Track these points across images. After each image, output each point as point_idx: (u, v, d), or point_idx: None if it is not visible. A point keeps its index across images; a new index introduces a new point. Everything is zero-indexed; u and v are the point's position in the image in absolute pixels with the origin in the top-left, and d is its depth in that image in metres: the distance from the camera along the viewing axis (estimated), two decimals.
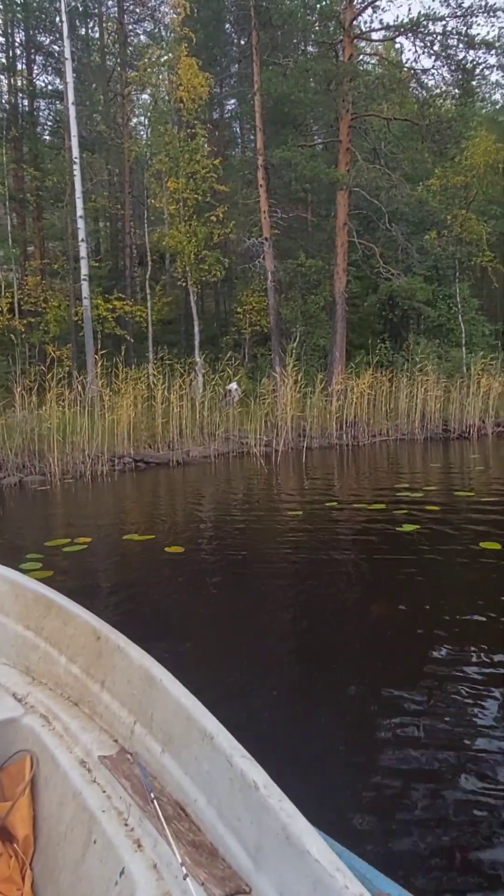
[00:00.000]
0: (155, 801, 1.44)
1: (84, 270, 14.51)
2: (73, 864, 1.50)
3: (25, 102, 19.23)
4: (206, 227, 14.84)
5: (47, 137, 18.88)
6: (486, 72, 13.46)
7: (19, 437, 10.63)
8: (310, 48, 18.83)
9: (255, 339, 19.14)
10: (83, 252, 14.57)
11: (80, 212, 14.38)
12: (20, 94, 19.05)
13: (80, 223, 14.49)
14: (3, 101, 18.35)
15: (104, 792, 1.56)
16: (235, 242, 16.25)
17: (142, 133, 21.67)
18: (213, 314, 23.87)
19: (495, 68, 12.54)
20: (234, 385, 14.75)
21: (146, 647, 1.87)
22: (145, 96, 19.24)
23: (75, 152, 14.41)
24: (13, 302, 16.70)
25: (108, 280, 20.17)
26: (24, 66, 18.83)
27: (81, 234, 14.56)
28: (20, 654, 2.27)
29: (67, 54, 14.47)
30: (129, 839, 1.40)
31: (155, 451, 12.24)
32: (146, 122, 19.92)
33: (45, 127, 19.36)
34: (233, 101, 21.69)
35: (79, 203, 14.41)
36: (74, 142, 14.35)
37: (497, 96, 27.40)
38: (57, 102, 18.97)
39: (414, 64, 13.50)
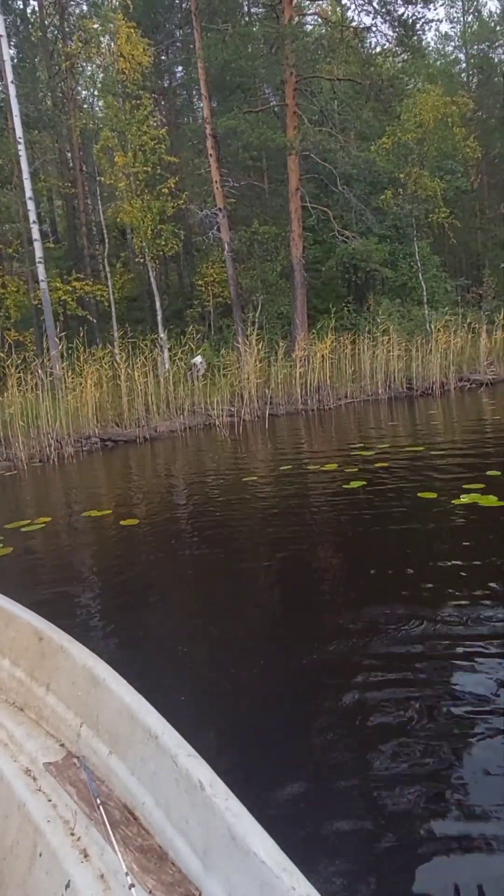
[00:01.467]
0: (101, 808, 1.42)
1: (38, 253, 14.36)
2: (20, 879, 1.45)
3: None
4: (159, 201, 14.72)
5: None
6: (426, 27, 13.31)
7: None
8: (254, 9, 18.49)
9: (220, 310, 19.13)
10: (35, 234, 14.39)
11: (28, 193, 14.17)
12: None
13: (31, 205, 14.28)
14: None
15: (50, 801, 1.53)
16: (190, 214, 16.13)
17: (88, 107, 21.18)
18: (178, 288, 23.73)
19: (434, 22, 12.40)
20: (198, 359, 14.82)
21: (87, 610, 1.97)
22: (90, 68, 18.73)
23: (19, 132, 14.12)
24: None
25: (67, 260, 19.94)
26: None
27: (32, 216, 14.36)
28: None
29: (2, 30, 14.07)
30: (76, 849, 1.38)
31: (122, 429, 12.37)
32: (92, 96, 19.46)
33: None
34: (181, 68, 21.25)
35: (27, 184, 14.18)
36: (17, 121, 14.05)
37: (449, 48, 27.11)
38: None
39: (355, 22, 13.34)
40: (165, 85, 21.91)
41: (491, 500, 4.92)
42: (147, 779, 1.46)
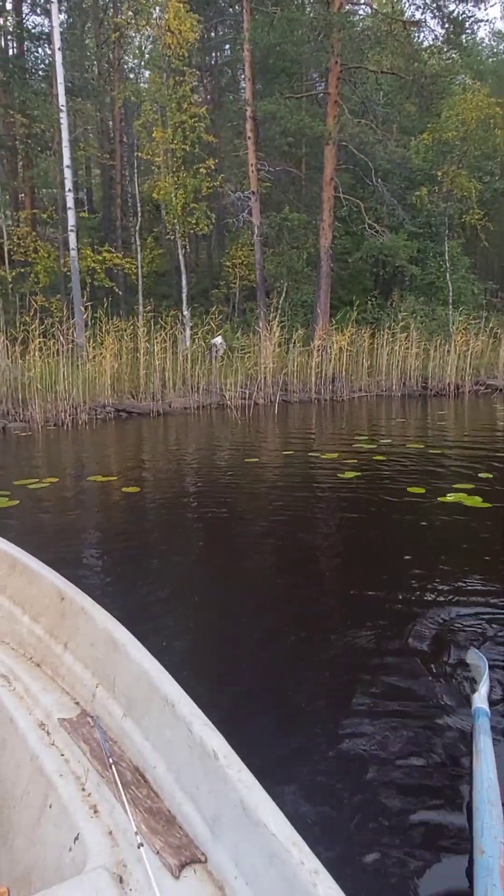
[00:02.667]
0: (113, 767, 1.45)
1: (71, 221, 14.59)
2: (28, 828, 1.49)
3: (14, 45, 18.85)
4: (194, 179, 14.85)
5: (36, 84, 18.54)
6: (475, 26, 13.20)
7: (3, 384, 11.03)
8: None
9: (245, 293, 19.26)
10: (70, 202, 14.61)
11: (66, 161, 14.37)
12: (8, 36, 18.69)
13: (67, 173, 14.49)
14: None
15: (62, 755, 1.55)
16: (224, 195, 16.23)
17: (134, 79, 21.23)
18: (207, 267, 23.85)
19: (486, 22, 12.29)
20: (218, 339, 15.01)
21: (78, 560, 2.13)
22: (139, 39, 18.77)
23: (62, 100, 14.29)
24: (2, 251, 16.81)
25: (100, 231, 20.15)
26: (12, 7, 18.38)
27: (68, 184, 14.57)
28: None
29: None
30: (86, 804, 1.40)
31: (137, 401, 12.65)
32: (138, 67, 19.51)
33: (35, 71, 18.98)
34: (228, 46, 21.19)
35: (66, 152, 14.38)
36: (61, 89, 14.21)
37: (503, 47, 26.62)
38: (46, 46, 18.58)
39: (405, 16, 13.24)
40: (211, 62, 21.86)
41: (475, 501, 5.12)
42: (160, 744, 1.48)
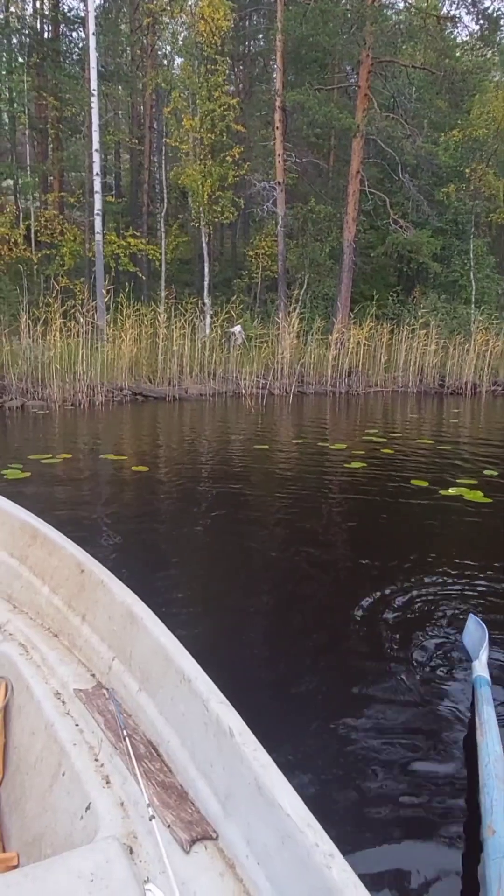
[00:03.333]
0: (127, 739, 1.45)
1: (98, 205, 14.75)
2: (40, 795, 1.50)
3: (49, 28, 19.01)
4: (221, 168, 14.91)
5: (69, 67, 18.68)
6: None
7: (24, 363, 11.25)
8: None
9: (267, 283, 19.32)
10: (97, 186, 14.76)
11: (95, 145, 14.51)
12: (44, 20, 18.84)
13: (96, 157, 14.63)
14: (26, 27, 18.19)
15: (77, 725, 1.56)
16: (250, 184, 16.28)
17: (166, 66, 21.27)
18: (231, 256, 23.91)
19: None
20: (237, 328, 15.11)
21: (78, 527, 2.22)
22: (173, 26, 18.79)
23: (94, 84, 14.41)
24: (30, 232, 17.03)
25: (126, 215, 20.30)
26: None
27: (96, 168, 14.72)
28: (2, 582, 2.27)
29: None
30: (98, 775, 1.41)
31: (154, 385, 12.82)
32: (170, 54, 19.53)
33: (69, 55, 19.12)
34: (262, 35, 21.13)
35: (95, 136, 14.51)
36: (93, 73, 14.33)
37: None
38: (80, 29, 18.70)
39: (440, 12, 13.13)
40: (244, 51, 21.82)
41: (476, 496, 5.19)
42: (175, 719, 1.48)
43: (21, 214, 17.62)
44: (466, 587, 3.39)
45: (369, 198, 14.90)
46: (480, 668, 2.33)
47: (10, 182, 19.66)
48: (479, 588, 3.39)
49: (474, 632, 2.64)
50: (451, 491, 5.32)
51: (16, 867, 1.42)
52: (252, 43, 22.71)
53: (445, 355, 15.29)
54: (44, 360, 11.32)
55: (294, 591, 3.45)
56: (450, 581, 3.46)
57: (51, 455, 6.60)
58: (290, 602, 3.30)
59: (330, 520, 4.87)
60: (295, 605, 3.25)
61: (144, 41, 19.66)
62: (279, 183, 15.30)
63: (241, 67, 21.61)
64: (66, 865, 1.14)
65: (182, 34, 17.66)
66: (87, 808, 1.32)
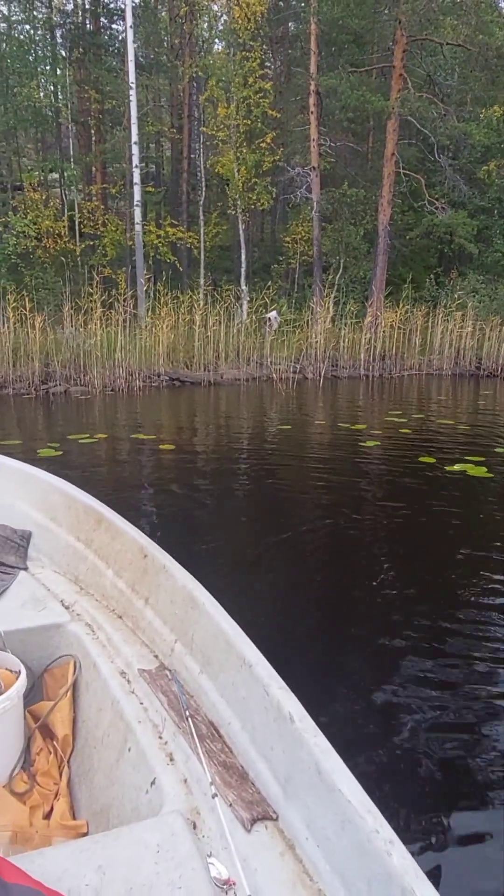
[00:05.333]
0: (190, 719, 1.49)
1: (137, 196, 15.23)
2: (108, 768, 1.56)
3: (90, 21, 19.48)
4: (255, 155, 15.14)
5: (110, 59, 19.14)
6: None
7: (67, 351, 11.88)
8: None
9: (305, 268, 19.48)
10: (136, 178, 15.24)
11: (134, 137, 14.95)
12: (85, 14, 19.33)
13: (135, 149, 15.08)
14: (68, 21, 18.74)
15: (141, 704, 1.61)
16: (284, 170, 16.44)
17: (203, 54, 21.49)
18: (270, 242, 24.10)
19: None
20: (273, 314, 15.39)
21: (100, 496, 2.42)
22: (209, 15, 19.00)
23: (132, 77, 14.82)
24: (73, 224, 17.69)
25: (166, 205, 20.76)
26: None
27: (135, 160, 15.18)
28: (70, 564, 2.37)
29: None
30: (162, 752, 1.45)
31: (190, 371, 13.28)
32: (206, 42, 19.76)
33: (109, 47, 19.57)
34: (299, 17, 21.03)
35: (134, 129, 14.96)
36: (131, 66, 14.74)
37: None
38: (119, 22, 19.12)
39: None
40: (282, 34, 21.79)
41: (480, 471, 5.43)
42: (236, 702, 1.52)
43: (65, 206, 18.30)
44: (443, 547, 3.69)
45: (404, 179, 14.87)
46: None
47: (56, 175, 20.40)
48: (460, 551, 3.69)
49: None
50: (457, 467, 5.56)
51: (85, 835, 1.51)
52: (291, 25, 22.65)
53: (483, 337, 15.20)
54: (85, 348, 11.91)
55: (281, 539, 3.82)
56: (430, 541, 3.77)
57: (88, 435, 7.13)
58: (280, 548, 3.67)
59: (327, 487, 5.21)
60: (284, 551, 3.62)
61: (183, 28, 19.95)
62: (314, 168, 15.42)
63: (279, 51, 21.61)
64: (133, 836, 1.21)
65: (222, 17, 17.88)
66: (153, 783, 1.38)
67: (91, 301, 12.45)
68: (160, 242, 17.64)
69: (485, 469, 5.47)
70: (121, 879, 1.11)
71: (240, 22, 14.78)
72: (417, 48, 13.94)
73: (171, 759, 1.42)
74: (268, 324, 15.14)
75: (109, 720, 1.63)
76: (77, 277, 16.55)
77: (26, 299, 11.91)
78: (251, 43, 14.93)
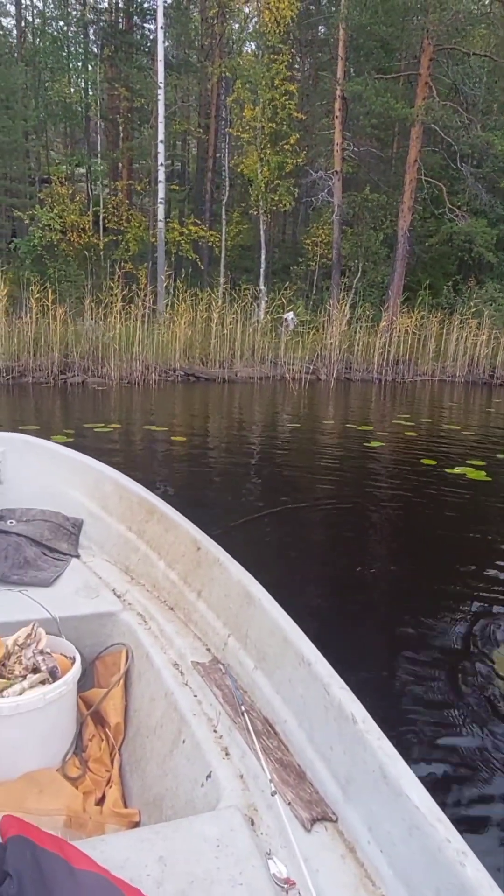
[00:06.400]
0: (245, 714, 1.47)
1: (161, 194, 15.50)
2: (161, 758, 1.55)
3: (123, 20, 19.80)
4: (278, 157, 15.35)
5: (141, 58, 19.44)
6: None
7: (86, 343, 12.17)
8: None
9: (324, 271, 19.65)
10: (161, 176, 15.51)
11: (161, 136, 15.22)
12: (118, 12, 19.65)
13: (161, 147, 15.35)
14: (101, 18, 19.07)
15: (195, 696, 1.59)
16: (307, 173, 16.64)
17: (234, 55, 21.73)
18: (291, 244, 24.30)
19: None
20: (290, 315, 15.58)
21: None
22: (241, 17, 19.23)
23: (160, 77, 15.08)
24: (98, 218, 18.02)
25: (190, 203, 21.04)
26: None
27: (161, 158, 15.45)
28: (121, 554, 2.36)
29: None
30: (217, 746, 1.43)
31: (205, 367, 13.52)
32: (235, 43, 19.98)
33: (141, 46, 19.88)
34: (329, 22, 21.20)
35: (161, 127, 15.22)
36: (160, 66, 15.00)
37: None
38: (152, 21, 19.40)
39: None
40: (311, 38, 21.96)
41: (479, 475, 5.60)
42: (293, 700, 1.48)
43: (91, 201, 18.64)
44: (437, 539, 3.89)
45: (425, 186, 15.00)
46: None
47: (83, 170, 20.77)
48: (448, 542, 3.88)
49: None
50: (457, 470, 5.73)
51: (137, 824, 1.52)
52: (322, 29, 22.83)
53: (498, 346, 15.27)
54: (104, 341, 12.19)
55: (276, 524, 4.03)
56: (420, 533, 3.96)
57: (103, 424, 7.39)
58: (267, 531, 3.88)
59: (328, 480, 5.41)
60: (273, 533, 3.84)
61: (213, 29, 20.21)
62: (336, 172, 15.59)
63: (307, 54, 21.79)
64: (193, 829, 1.19)
65: (253, 18, 18.10)
66: (208, 776, 1.36)
67: (112, 295, 12.73)
68: (182, 240, 17.89)
69: (484, 473, 5.63)
70: (182, 872, 1.10)
71: (269, 25, 14.99)
72: (444, 57, 14.07)
73: (227, 754, 1.41)
74: (284, 324, 15.34)
75: (163, 711, 1.62)
76: (99, 271, 16.85)
77: (49, 291, 12.21)
78: (280, 46, 15.13)
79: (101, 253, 17.35)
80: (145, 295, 13.04)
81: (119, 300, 12.47)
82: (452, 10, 12.00)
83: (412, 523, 4.40)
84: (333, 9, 19.86)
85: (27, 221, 15.78)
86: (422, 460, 6.14)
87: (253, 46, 17.41)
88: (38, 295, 12.09)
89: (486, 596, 3.30)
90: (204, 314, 13.83)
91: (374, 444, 6.83)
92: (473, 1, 13.59)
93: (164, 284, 14.93)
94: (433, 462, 6.04)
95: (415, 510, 4.69)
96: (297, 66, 20.62)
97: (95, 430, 7.07)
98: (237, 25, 18.39)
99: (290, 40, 17.03)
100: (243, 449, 6.65)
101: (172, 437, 6.87)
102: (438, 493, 5.10)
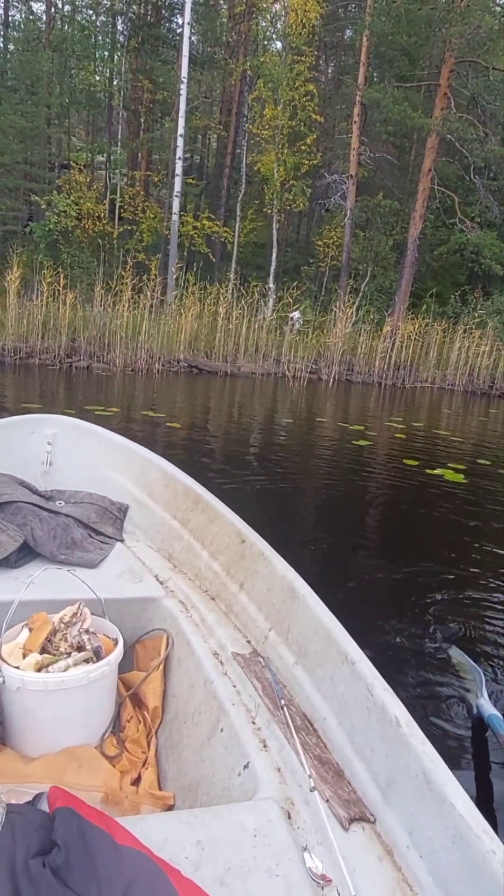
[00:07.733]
0: (285, 708, 1.46)
1: (177, 187, 15.73)
2: (198, 745, 1.55)
3: (151, 13, 20.01)
4: (295, 157, 15.57)
5: (166, 51, 19.65)
6: None
7: (93, 329, 12.43)
8: None
9: (334, 273, 19.86)
10: (178, 169, 15.74)
11: (181, 130, 15.45)
12: (147, 4, 19.86)
13: (180, 141, 15.58)
14: (130, 10, 19.29)
15: (234, 686, 1.58)
16: (322, 175, 16.87)
17: (259, 53, 21.92)
18: (304, 244, 24.51)
19: None
20: (296, 314, 15.81)
21: None
22: (268, 16, 19.42)
23: (184, 71, 15.30)
24: (114, 207, 18.26)
25: (206, 197, 21.27)
26: None
27: (179, 152, 15.68)
28: (165, 541, 2.36)
29: None
30: (256, 737, 1.42)
31: (209, 360, 13.77)
32: (260, 42, 20.17)
33: (167, 40, 20.09)
34: (355, 26, 21.38)
35: (181, 121, 15.45)
36: (185, 61, 15.21)
37: None
38: (179, 16, 19.63)
39: None
40: (336, 41, 22.13)
41: (457, 477, 5.84)
42: (333, 698, 1.47)
43: (108, 190, 18.89)
44: (403, 533, 4.14)
45: (437, 196, 15.21)
46: (486, 706, 2.27)
47: (102, 158, 21.02)
48: (413, 538, 4.13)
49: (462, 666, 2.63)
50: (437, 471, 5.98)
51: (171, 807, 1.52)
52: (348, 33, 22.99)
53: (499, 357, 15.47)
54: (111, 328, 12.45)
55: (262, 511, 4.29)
56: (391, 526, 4.21)
57: (103, 407, 7.65)
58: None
59: (309, 475, 5.67)
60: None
61: (240, 27, 20.40)
62: (351, 176, 15.80)
63: (332, 57, 21.97)
64: (230, 816, 1.19)
65: (281, 18, 18.30)
66: (246, 766, 1.35)
67: (122, 283, 12.98)
68: (196, 234, 18.13)
69: (462, 476, 5.87)
70: (219, 858, 1.10)
71: (294, 27, 15.19)
72: (465, 69, 14.26)
73: (265, 746, 1.40)
74: (289, 323, 15.57)
75: (201, 698, 1.62)
76: (112, 259, 17.10)
77: (61, 276, 12.48)
78: (304, 47, 15.33)
79: (115, 241, 17.61)
80: (155, 286, 13.29)
81: (129, 289, 12.73)
82: (474, 25, 12.19)
83: (378, 513, 4.65)
84: (360, 15, 20.08)
85: (44, 206, 16.04)
86: (405, 460, 6.38)
87: (279, 45, 17.61)
88: (50, 279, 12.36)
89: (433, 582, 3.55)
90: (211, 308, 14.08)
91: (363, 442, 7.08)
92: (495, 16, 13.77)
93: (175, 276, 15.17)
94: (415, 462, 6.28)
95: (384, 502, 4.94)
96: (320, 67, 20.80)
97: (96, 412, 7.32)
98: (264, 23, 18.56)
99: (316, 42, 17.21)
100: (234, 437, 6.91)
101: (168, 423, 7.12)
102: (411, 490, 5.35)
